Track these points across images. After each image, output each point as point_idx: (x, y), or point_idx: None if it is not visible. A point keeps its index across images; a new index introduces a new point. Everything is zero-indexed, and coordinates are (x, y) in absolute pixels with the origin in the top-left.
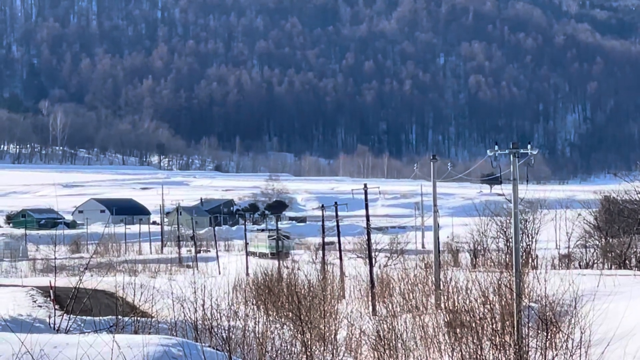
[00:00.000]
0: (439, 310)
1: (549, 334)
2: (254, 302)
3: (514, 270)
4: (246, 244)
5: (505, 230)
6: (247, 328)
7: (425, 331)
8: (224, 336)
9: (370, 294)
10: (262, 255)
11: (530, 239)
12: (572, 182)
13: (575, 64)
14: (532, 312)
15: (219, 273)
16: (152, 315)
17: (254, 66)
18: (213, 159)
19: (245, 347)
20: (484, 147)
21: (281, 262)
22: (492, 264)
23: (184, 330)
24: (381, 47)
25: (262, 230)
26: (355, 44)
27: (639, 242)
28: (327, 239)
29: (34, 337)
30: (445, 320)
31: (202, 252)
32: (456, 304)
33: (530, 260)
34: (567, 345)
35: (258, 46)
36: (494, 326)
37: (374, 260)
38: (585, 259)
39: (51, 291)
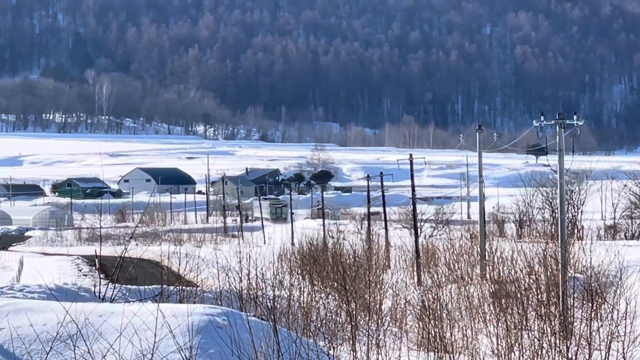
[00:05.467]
0: (484, 281)
1: (594, 305)
2: (299, 272)
3: (559, 241)
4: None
5: (550, 201)
6: (292, 298)
7: (470, 301)
8: (269, 306)
9: (415, 264)
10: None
11: (575, 210)
12: (618, 153)
13: (621, 34)
14: (577, 282)
15: (264, 243)
16: (197, 284)
17: (299, 36)
18: (259, 128)
19: (290, 317)
20: (530, 117)
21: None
22: (538, 234)
23: (228, 299)
24: (427, 17)
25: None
26: (401, 13)
27: None
28: (372, 209)
29: (78, 305)
30: (491, 290)
31: (247, 221)
32: (501, 274)
33: (575, 231)
34: (612, 316)
35: (304, 16)
36: (539, 297)
37: (419, 230)
38: (631, 230)
39: (96, 260)
